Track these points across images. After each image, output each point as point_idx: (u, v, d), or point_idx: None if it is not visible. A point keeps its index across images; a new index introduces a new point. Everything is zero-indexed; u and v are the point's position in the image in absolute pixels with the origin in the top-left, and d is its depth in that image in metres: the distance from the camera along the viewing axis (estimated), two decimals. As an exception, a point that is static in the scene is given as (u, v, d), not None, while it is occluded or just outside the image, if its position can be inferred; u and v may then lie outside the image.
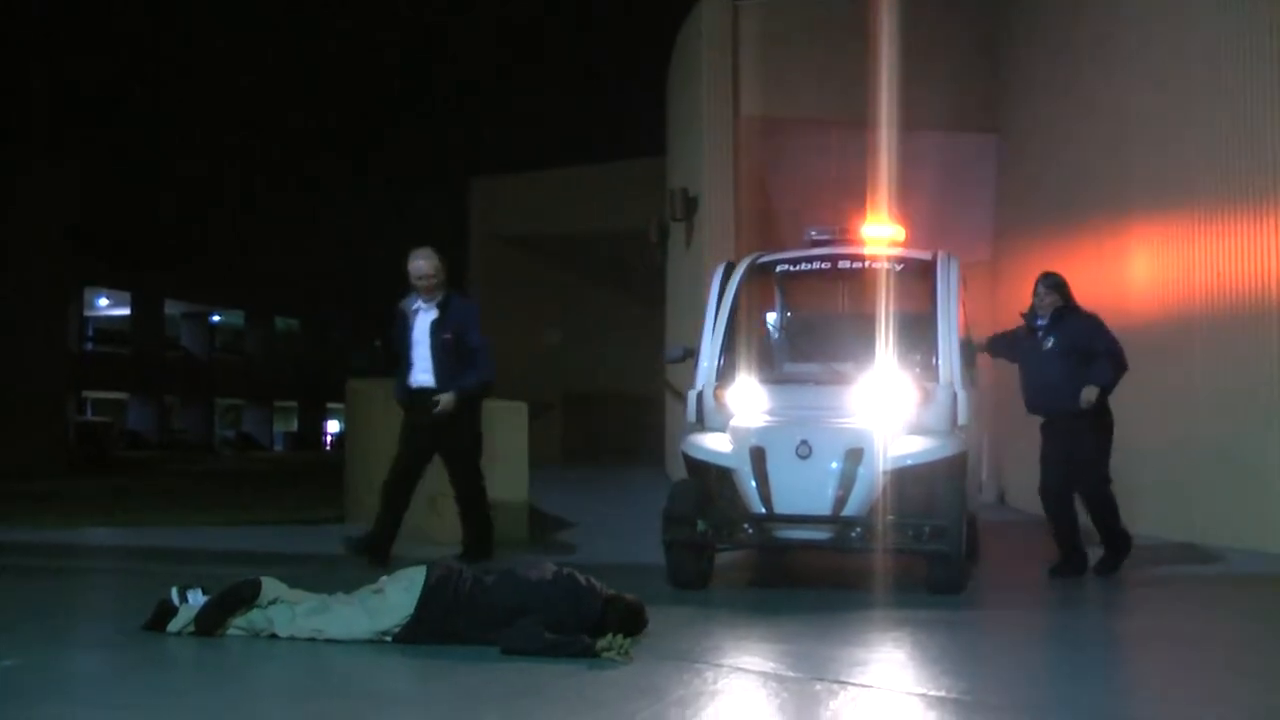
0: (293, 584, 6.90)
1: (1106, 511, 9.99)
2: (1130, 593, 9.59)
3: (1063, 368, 9.72)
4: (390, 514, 10.08)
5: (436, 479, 10.54)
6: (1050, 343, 9.84)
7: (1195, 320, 12.26)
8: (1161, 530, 12.33)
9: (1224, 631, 7.66)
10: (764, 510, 8.48)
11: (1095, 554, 9.97)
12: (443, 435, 10.08)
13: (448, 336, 10.03)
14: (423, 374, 10.11)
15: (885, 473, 8.46)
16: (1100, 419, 9.88)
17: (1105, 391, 9.75)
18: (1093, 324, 9.96)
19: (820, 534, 8.53)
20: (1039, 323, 9.99)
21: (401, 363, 10.24)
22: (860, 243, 10.19)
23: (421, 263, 9.97)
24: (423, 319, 10.12)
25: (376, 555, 9.69)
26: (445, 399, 9.96)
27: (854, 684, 5.65)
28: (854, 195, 12.69)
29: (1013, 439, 16.74)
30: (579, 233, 29.96)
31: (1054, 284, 10.03)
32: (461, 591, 6.48)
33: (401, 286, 10.24)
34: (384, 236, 65.58)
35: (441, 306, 10.11)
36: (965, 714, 5.05)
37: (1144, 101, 13.43)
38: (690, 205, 18.18)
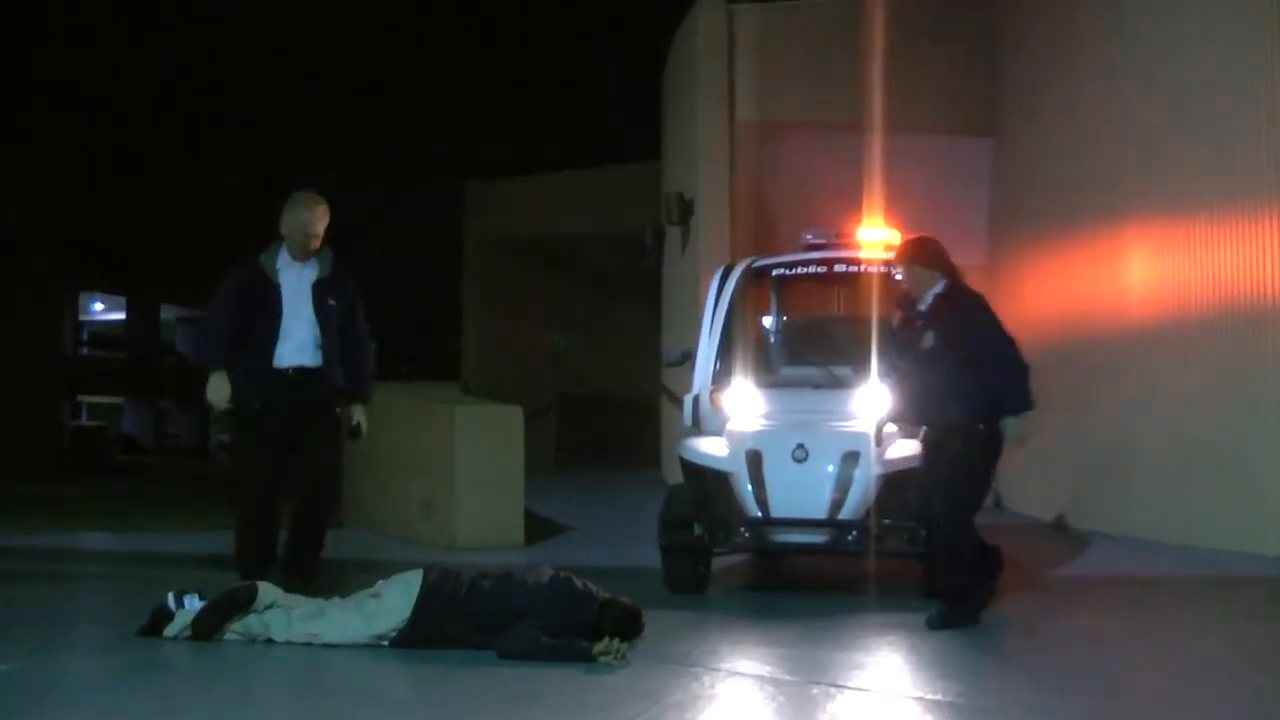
0: (288, 589, 6.90)
1: (948, 548, 7.67)
2: (1126, 596, 9.58)
3: (943, 372, 7.67)
4: (264, 555, 8.14)
5: (428, 481, 10.43)
6: (930, 339, 7.75)
7: (1191, 323, 12.26)
8: (1159, 533, 12.33)
9: (1221, 635, 7.66)
10: (760, 514, 8.48)
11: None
12: (313, 440, 8.18)
13: (333, 303, 8.12)
14: (296, 352, 8.02)
15: (881, 476, 8.47)
16: (981, 435, 7.72)
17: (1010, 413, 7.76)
18: (977, 313, 7.90)
19: (817, 537, 8.53)
20: (919, 309, 7.89)
21: (253, 338, 8.00)
22: (856, 246, 10.20)
23: (318, 216, 8.08)
24: (298, 279, 8.11)
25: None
26: (361, 417, 8.28)
27: (850, 688, 5.65)
28: (850, 199, 12.68)
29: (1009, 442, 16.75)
30: (574, 236, 29.92)
31: (926, 256, 7.81)
32: (458, 595, 6.48)
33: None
34: (378, 241, 65.59)
35: (325, 266, 8.19)
36: (961, 718, 5.06)
37: (1140, 104, 13.44)
38: (685, 209, 18.18)
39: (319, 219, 8.04)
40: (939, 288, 7.77)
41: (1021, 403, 7.82)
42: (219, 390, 7.97)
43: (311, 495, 8.25)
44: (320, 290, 8.08)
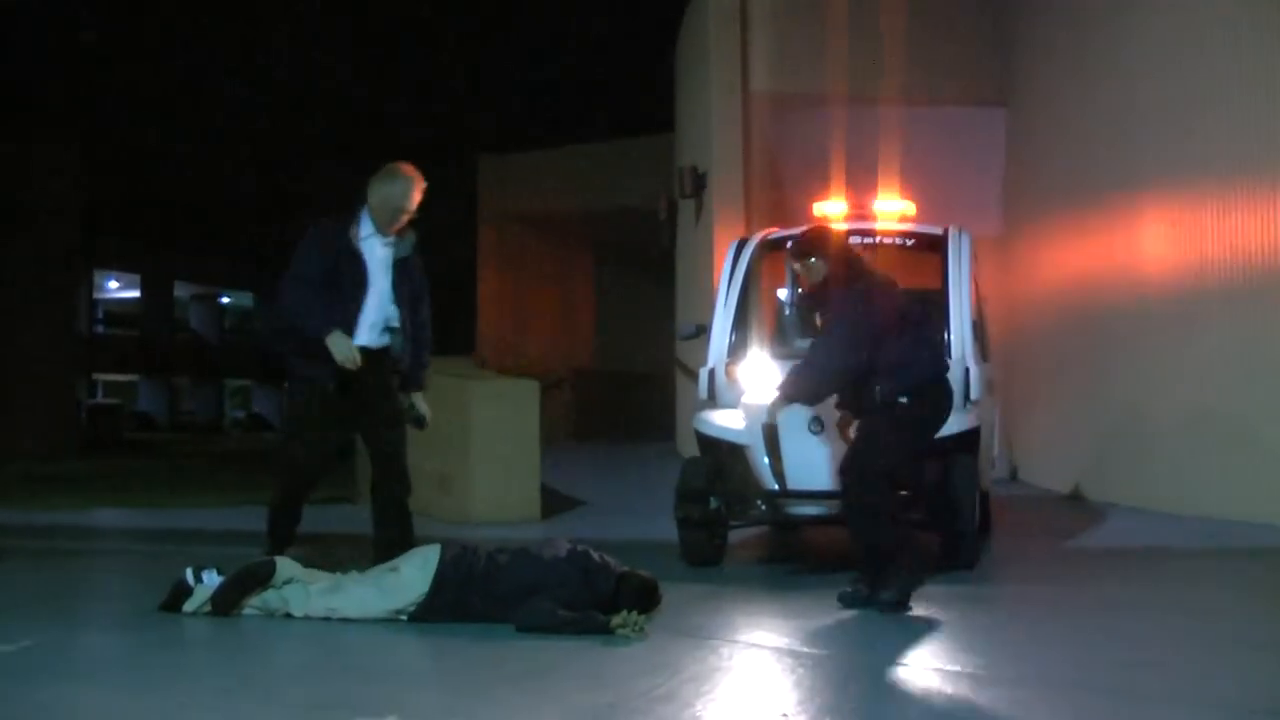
0: (307, 564, 6.92)
1: (865, 519, 7.18)
2: (1144, 567, 9.57)
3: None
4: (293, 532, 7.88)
5: (444, 456, 10.41)
6: (819, 322, 7.72)
7: (1208, 295, 12.21)
8: (1176, 504, 12.30)
9: (1237, 605, 7.65)
10: (776, 487, 8.48)
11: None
12: (376, 425, 7.75)
13: (410, 285, 7.72)
14: (369, 331, 7.53)
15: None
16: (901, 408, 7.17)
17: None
18: (835, 305, 7.32)
19: (833, 510, 8.51)
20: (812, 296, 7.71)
21: (339, 303, 7.45)
22: (871, 218, 10.16)
23: (416, 190, 7.60)
24: (380, 255, 7.62)
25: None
26: (424, 407, 7.87)
27: (869, 659, 5.65)
28: (864, 170, 12.65)
29: (1024, 414, 16.74)
30: (588, 210, 29.87)
31: (811, 246, 7.46)
32: (476, 570, 6.49)
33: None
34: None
35: (407, 246, 7.72)
36: (980, 688, 5.05)
37: (1156, 74, 13.36)
38: (699, 182, 18.13)
39: (416, 194, 7.57)
40: (821, 276, 7.37)
41: (783, 392, 7.47)
42: (348, 347, 7.30)
43: (388, 487, 7.72)
44: (401, 269, 7.63)
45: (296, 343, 7.53)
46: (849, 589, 7.01)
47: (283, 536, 7.79)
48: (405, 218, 7.59)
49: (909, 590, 6.89)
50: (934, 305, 9.37)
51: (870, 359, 7.03)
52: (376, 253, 7.56)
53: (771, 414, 7.72)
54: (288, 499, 7.87)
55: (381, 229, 7.55)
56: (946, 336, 9.15)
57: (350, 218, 7.56)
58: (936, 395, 7.28)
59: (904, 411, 7.10)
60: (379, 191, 7.56)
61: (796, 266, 7.55)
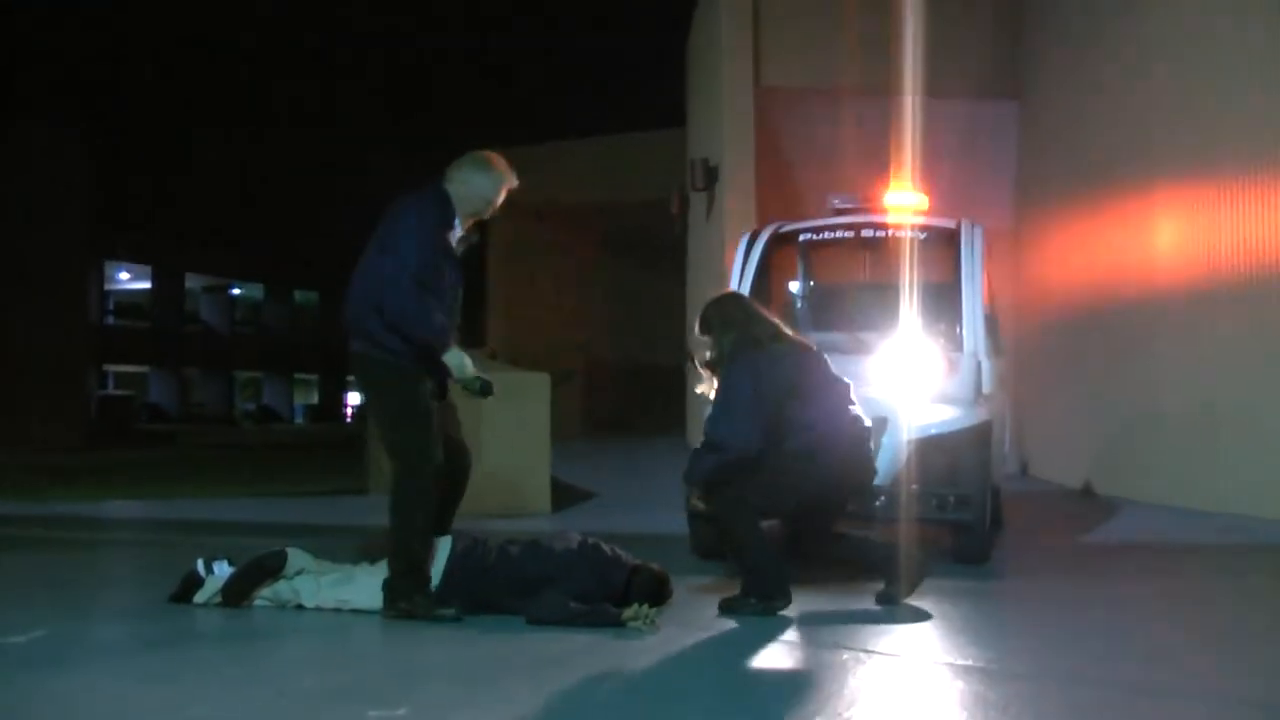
0: (317, 555, 6.92)
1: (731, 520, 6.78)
2: (1155, 562, 9.55)
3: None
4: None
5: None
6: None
7: (1221, 289, 12.17)
8: (1187, 500, 12.28)
9: (1250, 599, 7.64)
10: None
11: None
12: (452, 422, 7.05)
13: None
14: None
15: (909, 442, 8.43)
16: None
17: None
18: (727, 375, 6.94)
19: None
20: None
21: (439, 309, 6.56)
22: (883, 211, 10.14)
23: (506, 187, 6.85)
24: (456, 253, 6.87)
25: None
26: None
27: (879, 653, 5.64)
28: (876, 163, 12.62)
29: (1035, 409, 16.71)
30: (599, 203, 29.88)
31: (704, 324, 7.19)
32: (487, 562, 6.49)
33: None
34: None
35: (466, 242, 7.00)
36: (992, 683, 5.04)
37: (1169, 65, 13.32)
38: (711, 175, 18.13)
39: (505, 189, 6.85)
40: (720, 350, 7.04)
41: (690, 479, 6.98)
42: (466, 364, 6.66)
43: (463, 476, 7.04)
44: (462, 266, 6.93)
45: (406, 342, 6.51)
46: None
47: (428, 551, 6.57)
48: (488, 212, 6.91)
49: (767, 613, 6.52)
50: (946, 298, 9.36)
51: (775, 421, 6.72)
52: (455, 251, 6.84)
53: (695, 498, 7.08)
54: (425, 519, 6.50)
55: (460, 221, 6.82)
56: (958, 330, 9.13)
57: (447, 209, 6.71)
58: (830, 457, 6.86)
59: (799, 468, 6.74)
60: (469, 180, 6.79)
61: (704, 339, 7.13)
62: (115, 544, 10.86)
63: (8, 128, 31.19)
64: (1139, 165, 13.93)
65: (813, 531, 7.04)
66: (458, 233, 6.80)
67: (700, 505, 6.84)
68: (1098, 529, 11.44)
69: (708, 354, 7.11)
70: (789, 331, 7.24)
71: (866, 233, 10.11)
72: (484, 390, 6.79)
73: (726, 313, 7.12)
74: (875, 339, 9.31)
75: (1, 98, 31.12)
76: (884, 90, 14.88)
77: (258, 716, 4.55)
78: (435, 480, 6.53)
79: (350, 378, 7.09)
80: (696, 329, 7.17)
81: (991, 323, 9.60)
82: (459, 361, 6.58)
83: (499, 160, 6.86)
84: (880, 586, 6.93)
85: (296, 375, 75.95)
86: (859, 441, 7.04)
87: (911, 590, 6.90)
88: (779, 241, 10.13)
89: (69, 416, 32.91)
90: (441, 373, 6.60)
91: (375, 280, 6.49)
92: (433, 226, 6.61)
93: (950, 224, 9.82)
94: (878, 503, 8.31)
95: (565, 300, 32.06)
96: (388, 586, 6.38)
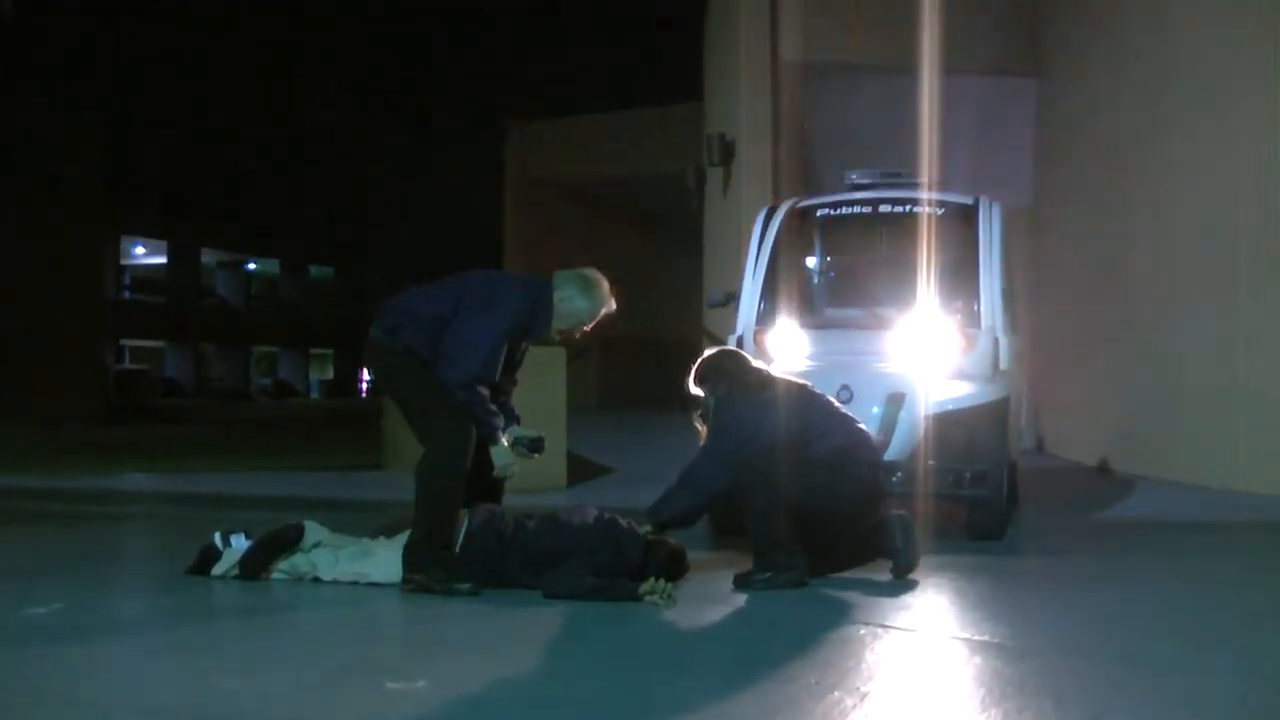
0: (334, 528, 6.94)
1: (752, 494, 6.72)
2: (1171, 538, 9.53)
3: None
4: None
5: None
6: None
7: (1239, 265, 12.11)
8: (1203, 478, 12.25)
9: (1265, 578, 7.61)
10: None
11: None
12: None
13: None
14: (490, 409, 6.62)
15: (926, 417, 8.42)
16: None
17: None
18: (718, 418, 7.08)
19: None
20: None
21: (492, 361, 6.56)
22: (902, 187, 10.11)
23: (602, 313, 6.92)
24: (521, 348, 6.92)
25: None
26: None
27: (896, 628, 5.64)
28: (894, 139, 12.58)
29: (1052, 386, 16.68)
30: (616, 178, 29.85)
31: (698, 379, 7.28)
32: (504, 536, 6.49)
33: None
34: (418, 183, 65.65)
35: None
36: (1008, 659, 5.03)
37: (1189, 41, 13.24)
38: (728, 150, 18.07)
39: (600, 315, 6.90)
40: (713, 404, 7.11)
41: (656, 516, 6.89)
42: (509, 463, 6.76)
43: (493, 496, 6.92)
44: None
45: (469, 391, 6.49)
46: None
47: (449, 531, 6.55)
48: (578, 332, 6.97)
49: (783, 587, 6.51)
50: (964, 274, 9.33)
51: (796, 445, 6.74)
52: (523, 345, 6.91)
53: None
54: (455, 486, 6.50)
55: (549, 332, 6.87)
56: (976, 307, 9.11)
57: (544, 311, 6.75)
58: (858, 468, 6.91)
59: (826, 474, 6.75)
60: (575, 299, 6.80)
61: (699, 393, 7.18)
62: (133, 517, 10.90)
63: (24, 104, 31.22)
64: (1158, 141, 13.86)
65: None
66: (541, 336, 6.87)
67: (654, 536, 6.72)
68: (1114, 506, 11.43)
69: (699, 412, 7.23)
70: (779, 376, 7.29)
71: (884, 208, 10.07)
72: (534, 448, 6.93)
73: (719, 367, 7.17)
74: (893, 315, 9.31)
75: (17, 74, 31.06)
76: (903, 66, 14.82)
77: (276, 688, 4.56)
78: (466, 466, 6.49)
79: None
80: (691, 384, 7.24)
81: (1009, 299, 9.57)
82: (501, 456, 6.67)
83: (603, 285, 6.87)
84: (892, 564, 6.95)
85: (312, 350, 76.10)
86: (877, 457, 7.18)
87: (917, 557, 6.92)
88: (796, 217, 10.11)
89: (86, 392, 33.02)
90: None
91: (443, 328, 6.54)
92: (518, 321, 6.64)
93: (968, 200, 9.78)
94: (895, 478, 8.30)
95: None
96: (406, 552, 6.43)
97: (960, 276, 9.37)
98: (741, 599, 6.38)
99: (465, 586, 6.30)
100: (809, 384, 7.28)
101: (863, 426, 7.22)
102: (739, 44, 17.81)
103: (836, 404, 7.31)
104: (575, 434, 13.07)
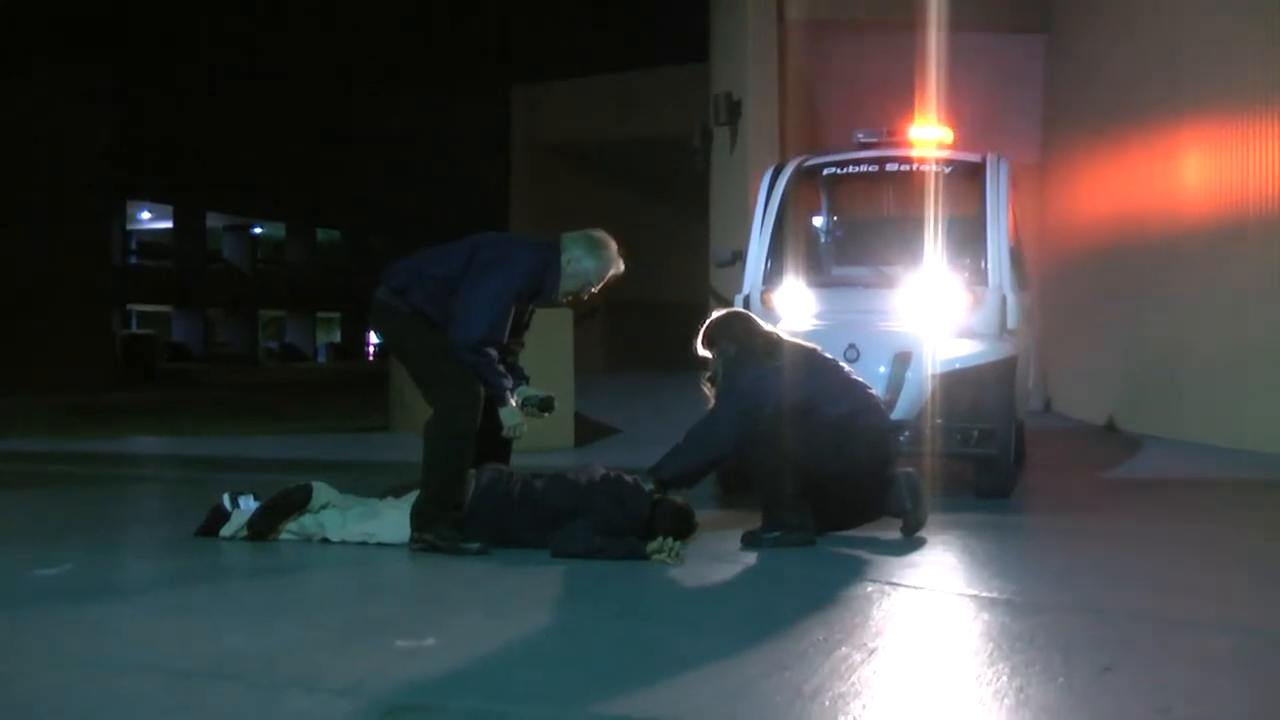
0: (342, 490, 6.95)
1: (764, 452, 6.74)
2: (1179, 496, 9.54)
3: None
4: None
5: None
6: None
7: (1249, 221, 12.06)
8: (1210, 436, 12.24)
9: (1274, 534, 7.62)
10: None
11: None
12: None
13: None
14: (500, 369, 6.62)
15: (934, 376, 8.41)
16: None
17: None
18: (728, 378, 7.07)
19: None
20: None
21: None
22: (908, 145, 10.07)
23: (611, 275, 6.93)
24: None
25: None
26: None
27: (905, 585, 5.64)
28: (901, 97, 12.51)
29: (1059, 345, 16.65)
30: (621, 140, 29.74)
31: (706, 340, 7.24)
32: (511, 495, 6.50)
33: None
34: (423, 146, 65.52)
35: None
36: (1017, 614, 5.04)
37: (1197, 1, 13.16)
38: (734, 110, 17.99)
39: (609, 277, 6.90)
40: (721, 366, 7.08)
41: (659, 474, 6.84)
42: (517, 424, 6.67)
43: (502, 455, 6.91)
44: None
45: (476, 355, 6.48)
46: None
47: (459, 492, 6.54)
48: (586, 294, 6.96)
49: (791, 545, 6.55)
50: (971, 232, 9.31)
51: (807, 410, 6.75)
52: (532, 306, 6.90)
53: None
54: (463, 446, 6.49)
55: (557, 294, 6.84)
56: (983, 265, 9.08)
57: (552, 273, 6.72)
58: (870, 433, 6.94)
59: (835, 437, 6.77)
60: (582, 260, 6.78)
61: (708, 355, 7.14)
62: (142, 480, 10.94)
63: (29, 68, 31.12)
64: (1166, 99, 13.78)
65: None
66: (550, 298, 6.83)
67: (658, 495, 6.70)
68: (1121, 464, 11.43)
69: (708, 374, 7.15)
70: (787, 338, 7.24)
71: (891, 167, 10.05)
72: (543, 408, 6.93)
73: (728, 329, 7.14)
74: (900, 273, 9.29)
75: (24, 39, 30.96)
76: (909, 24, 14.72)
77: (286, 647, 4.57)
78: (474, 426, 6.47)
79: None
80: (699, 346, 7.20)
81: (1017, 257, 9.55)
82: (510, 417, 6.62)
83: (610, 246, 6.86)
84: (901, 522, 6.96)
85: (319, 313, 76.12)
86: (887, 422, 7.15)
87: (925, 515, 6.95)
88: (803, 176, 10.08)
89: (94, 356, 33.02)
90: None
91: (451, 290, 6.53)
92: (525, 285, 6.61)
93: (975, 158, 9.75)
94: (902, 437, 8.30)
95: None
96: (415, 512, 6.45)
97: (967, 234, 9.34)
98: (750, 557, 6.39)
99: (474, 546, 6.32)
100: (818, 347, 7.25)
101: (873, 391, 7.20)
102: (746, 2, 17.72)
103: (846, 368, 7.29)
104: (582, 396, 13.07)
